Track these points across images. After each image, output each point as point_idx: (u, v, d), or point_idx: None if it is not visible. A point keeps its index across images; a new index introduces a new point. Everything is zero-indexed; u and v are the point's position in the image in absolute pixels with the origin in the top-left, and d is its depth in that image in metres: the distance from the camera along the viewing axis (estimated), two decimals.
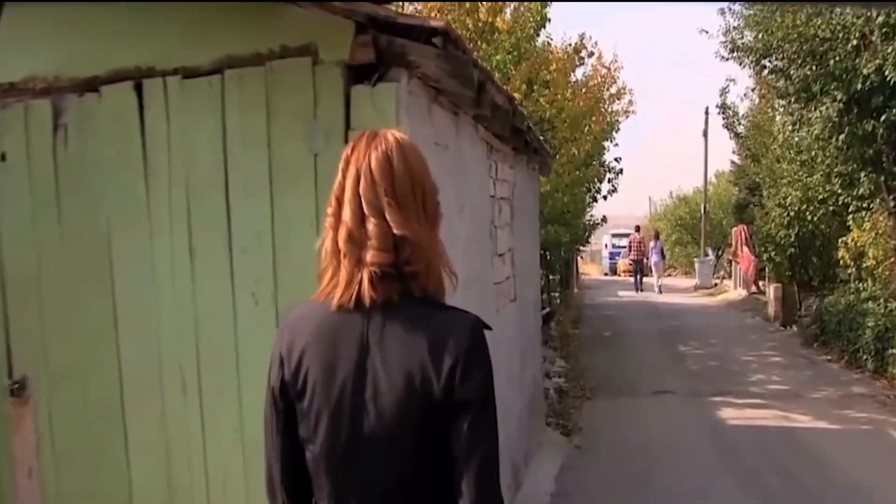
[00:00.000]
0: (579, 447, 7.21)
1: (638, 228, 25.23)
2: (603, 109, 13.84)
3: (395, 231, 1.45)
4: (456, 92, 3.46)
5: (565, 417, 8.23)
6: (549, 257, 13.55)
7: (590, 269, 34.96)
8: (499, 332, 4.95)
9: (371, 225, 1.46)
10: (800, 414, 8.34)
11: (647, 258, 23.66)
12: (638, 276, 23.25)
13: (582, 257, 27.28)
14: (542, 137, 10.20)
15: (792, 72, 10.37)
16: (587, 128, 12.27)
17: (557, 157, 10.85)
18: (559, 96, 11.63)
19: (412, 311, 1.46)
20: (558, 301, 16.39)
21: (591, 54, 12.45)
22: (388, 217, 1.46)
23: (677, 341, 13.47)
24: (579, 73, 13.34)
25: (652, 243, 23.92)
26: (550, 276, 15.69)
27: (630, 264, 25.46)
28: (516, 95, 10.74)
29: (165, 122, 3.08)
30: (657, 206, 41.21)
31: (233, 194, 3.02)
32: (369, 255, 1.44)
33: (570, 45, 12.30)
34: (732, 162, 24.47)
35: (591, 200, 15.04)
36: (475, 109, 3.83)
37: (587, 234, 16.14)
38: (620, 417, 8.36)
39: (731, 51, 11.55)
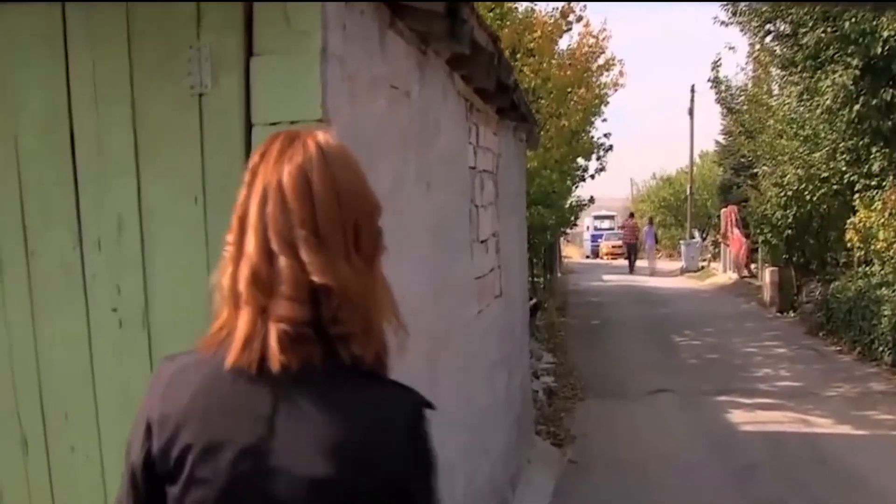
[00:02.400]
0: (573, 462, 6.27)
1: (632, 215, 26.11)
2: (591, 81, 12.84)
3: (312, 278, 1.07)
4: (421, 17, 2.44)
5: (556, 423, 7.29)
6: (533, 241, 12.62)
7: (571, 252, 34.41)
8: (479, 340, 3.95)
9: (282, 265, 1.08)
10: (817, 416, 7.45)
11: (641, 242, 24.66)
12: (631, 259, 24.05)
13: (567, 240, 27.20)
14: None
15: (801, 37, 9.40)
16: (574, 100, 11.26)
17: (544, 130, 9.87)
18: (544, 65, 10.63)
19: (339, 385, 1.09)
20: (542, 287, 15.49)
21: (578, 19, 11.43)
22: (303, 257, 1.08)
23: (670, 330, 12.59)
24: (566, 41, 12.33)
25: (646, 228, 24.64)
26: (534, 262, 14.79)
27: (622, 248, 26.68)
28: None
29: None
30: (639, 187, 40.68)
31: (81, 167, 1.99)
32: (279, 307, 1.07)
33: (557, 9, 11.27)
34: (717, 142, 24.10)
35: (578, 180, 14.09)
36: (449, 46, 2.82)
37: (574, 216, 15.20)
38: (617, 423, 7.43)
39: (734, 14, 10.57)
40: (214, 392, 1.11)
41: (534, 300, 10.47)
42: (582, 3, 11.32)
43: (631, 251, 24.38)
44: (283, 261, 1.08)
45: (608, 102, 13.65)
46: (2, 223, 2.02)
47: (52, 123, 1.98)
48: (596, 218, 35.77)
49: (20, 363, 2.06)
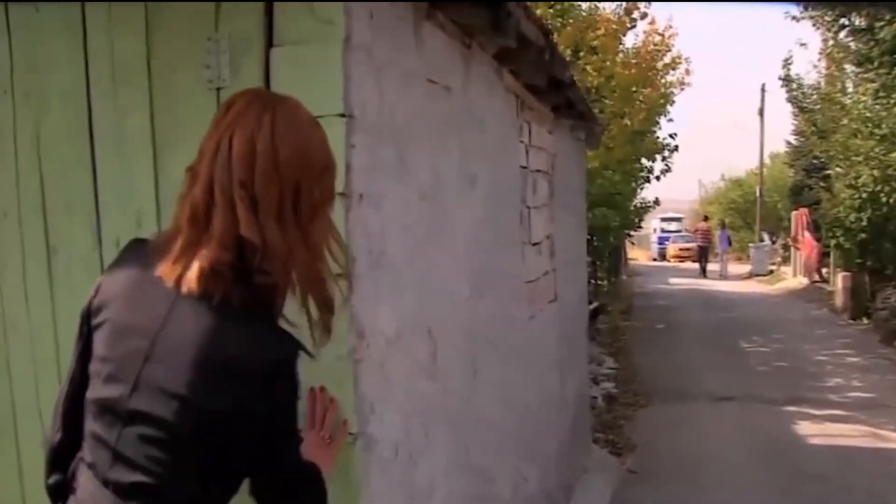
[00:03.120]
0: (632, 472, 6.06)
1: (706, 218, 26.80)
2: (656, 80, 12.50)
3: (240, 231, 1.22)
4: (462, 9, 2.32)
5: (616, 431, 7.08)
6: (596, 243, 12.35)
7: (638, 255, 33.89)
8: (530, 344, 3.81)
9: (217, 213, 1.24)
10: (891, 430, 7.04)
11: (713, 245, 25.32)
12: (703, 263, 24.24)
13: (632, 242, 27.06)
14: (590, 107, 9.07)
15: (878, 31, 8.95)
16: (639, 98, 10.96)
17: (607, 130, 9.63)
18: (608, 63, 10.37)
19: (232, 318, 1.24)
20: (606, 290, 15.19)
21: (643, 16, 11.12)
22: (237, 211, 1.23)
23: (738, 336, 12.16)
24: (630, 38, 12.02)
25: (719, 231, 25.16)
26: (598, 264, 14.50)
27: (691, 251, 28.33)
28: None
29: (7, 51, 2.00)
30: (708, 189, 39.76)
31: (100, 158, 1.93)
32: (208, 246, 1.23)
33: (621, 6, 10.99)
34: (788, 143, 23.38)
35: (643, 181, 13.74)
36: (495, 40, 2.69)
37: (639, 217, 14.84)
38: (679, 431, 7.16)
39: (806, 8, 10.15)
40: (140, 289, 1.30)
41: (594, 304, 10.22)
42: (645, 2, 10.97)
43: (703, 254, 24.52)
44: (219, 210, 1.23)
45: (674, 102, 13.27)
46: (24, 215, 1.99)
47: (71, 109, 1.92)
48: (663, 220, 35.38)
49: (46, 363, 2.02)
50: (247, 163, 1.23)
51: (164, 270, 1.26)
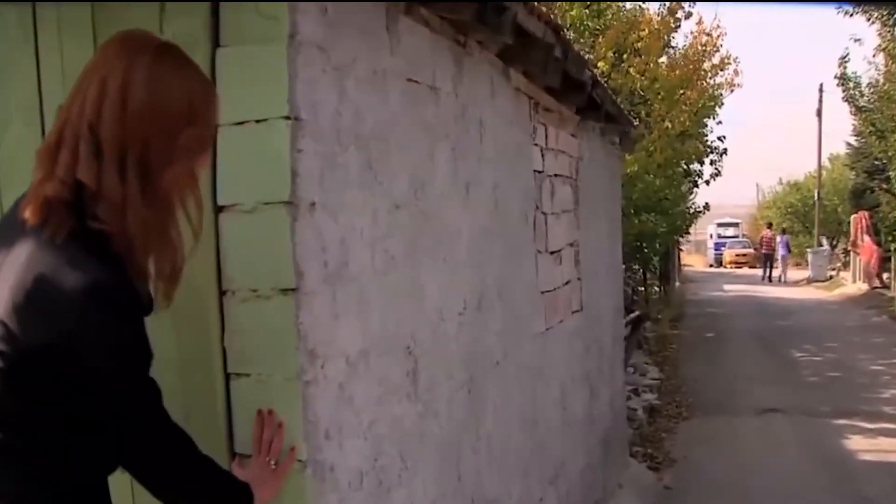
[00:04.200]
0: (669, 488, 5.81)
1: (770, 226, 26.94)
2: (704, 82, 12.15)
3: (77, 175, 1.21)
4: (445, 4, 2.18)
5: (655, 444, 6.82)
6: (645, 249, 12.06)
7: (693, 261, 33.39)
8: (549, 358, 3.63)
9: (64, 152, 1.23)
10: None
11: (775, 252, 25.52)
12: (769, 270, 24.57)
13: (685, 248, 26.82)
14: (632, 111, 8.81)
15: None
16: (683, 99, 10.65)
17: (650, 133, 9.37)
18: (651, 65, 10.10)
19: (60, 253, 1.19)
20: (656, 298, 14.84)
21: (688, 15, 10.81)
22: (80, 154, 1.21)
23: (789, 344, 11.73)
24: (676, 39, 11.70)
25: (779, 238, 25.37)
26: (647, 271, 14.17)
27: (747, 257, 29.70)
28: (601, 65, 9.36)
29: None
30: (765, 193, 38.84)
31: None
32: (51, 181, 1.22)
33: (664, 6, 10.70)
34: (848, 144, 22.64)
35: (691, 185, 13.37)
36: (493, 37, 2.54)
37: (688, 223, 14.46)
38: (722, 444, 6.87)
39: (859, 2, 9.73)
40: (4, 228, 1.31)
41: (636, 313, 9.94)
42: (689, 2, 10.65)
43: (768, 261, 24.97)
44: (65, 150, 1.22)
45: (723, 104, 12.89)
46: None
47: (28, 117, 1.83)
48: (719, 225, 34.95)
49: None
50: (96, 107, 1.21)
51: (21, 206, 1.26)
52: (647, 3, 9.95)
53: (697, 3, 10.68)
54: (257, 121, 1.57)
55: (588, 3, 8.41)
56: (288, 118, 1.54)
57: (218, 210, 1.62)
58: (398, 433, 1.98)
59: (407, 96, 2.07)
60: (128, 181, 1.20)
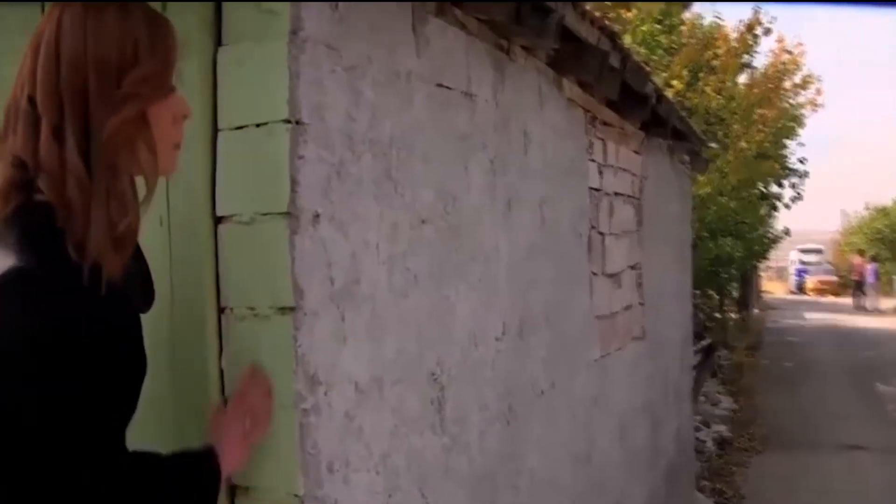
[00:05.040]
0: None
1: (861, 252, 27.41)
2: (784, 102, 11.67)
3: (16, 152, 1.09)
4: (480, 4, 2.04)
5: (726, 479, 6.47)
6: (721, 274, 11.61)
7: (774, 287, 32.23)
8: (604, 387, 3.41)
9: (9, 134, 1.11)
10: None
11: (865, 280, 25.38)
12: (860, 299, 24.55)
13: (764, 274, 26.00)
14: (706, 130, 8.48)
15: None
16: (760, 118, 10.23)
17: (725, 153, 9.01)
18: (728, 83, 9.74)
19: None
20: (732, 325, 14.28)
21: (767, 31, 10.41)
22: (18, 128, 1.09)
23: (875, 377, 11.06)
24: (754, 57, 11.28)
25: (868, 266, 25.27)
26: (723, 297, 13.67)
27: (832, 284, 29.82)
28: (675, 84, 9.06)
29: None
30: (851, 218, 37.35)
31: None
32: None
33: (742, 21, 10.34)
34: None
35: (769, 209, 12.84)
36: (533, 39, 2.37)
37: (766, 248, 13.88)
38: (798, 482, 6.45)
39: None
40: None
41: (708, 340, 9.52)
42: (771, 16, 10.26)
43: (860, 289, 25.02)
44: (9, 131, 1.11)
45: (804, 125, 12.36)
46: None
47: None
48: (802, 251, 33.91)
49: None
50: (32, 74, 1.09)
51: None
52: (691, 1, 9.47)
53: (777, 20, 10.26)
54: (257, 125, 1.44)
55: (660, 16, 8.13)
56: (288, 122, 1.41)
57: (217, 221, 1.50)
58: (418, 467, 1.81)
59: (435, 102, 1.92)
60: (65, 144, 1.06)
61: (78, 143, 1.06)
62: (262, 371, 1.42)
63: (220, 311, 1.50)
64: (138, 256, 1.28)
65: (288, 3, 1.41)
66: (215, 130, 1.49)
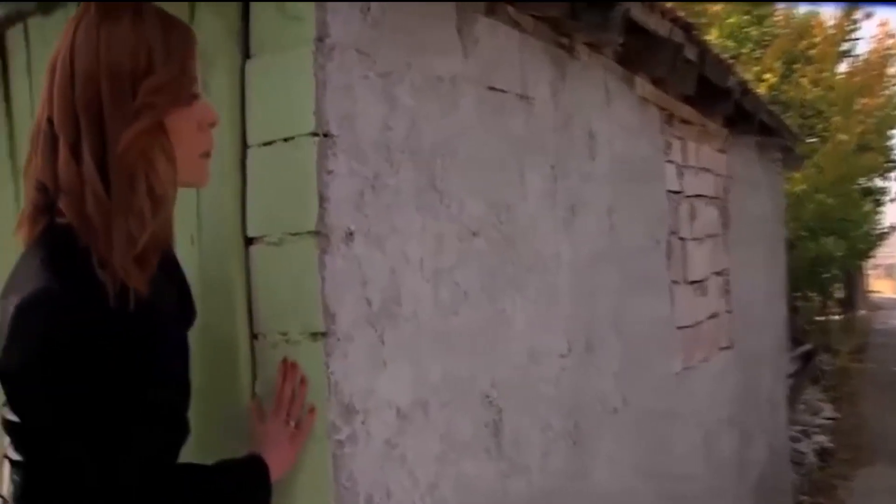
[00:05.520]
0: None
1: None
2: (888, 90, 11.01)
3: (38, 175, 1.07)
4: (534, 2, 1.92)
5: (828, 493, 6.10)
6: (822, 274, 11.05)
7: (882, 286, 30.62)
8: (687, 401, 3.22)
9: (34, 160, 1.09)
10: None
11: None
12: None
13: (871, 273, 24.76)
14: (804, 124, 8.07)
15: None
16: (862, 109, 9.66)
17: (822, 147, 8.54)
18: (825, 72, 9.24)
19: (25, 258, 1.06)
20: (837, 327, 13.59)
21: (868, 15, 9.83)
22: (39, 152, 1.06)
23: None
24: (852, 43, 10.67)
25: None
26: (825, 298, 13.02)
27: None
28: (768, 77, 8.65)
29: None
30: None
31: None
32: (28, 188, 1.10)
33: (841, 7, 9.78)
34: None
35: (874, 205, 12.15)
36: (597, 35, 2.23)
37: (871, 246, 13.13)
38: None
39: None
40: None
41: (807, 346, 9.04)
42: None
43: None
44: (34, 156, 1.08)
45: None
46: None
47: None
48: None
49: None
50: (49, 95, 1.05)
51: None
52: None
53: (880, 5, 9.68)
54: (285, 139, 1.36)
55: (751, 7, 7.77)
56: (315, 135, 1.33)
57: (248, 242, 1.43)
58: (471, 494, 1.70)
59: (486, 106, 1.81)
60: (82, 161, 1.02)
61: (95, 159, 1.01)
62: (296, 368, 1.34)
63: (254, 336, 1.43)
64: (174, 272, 1.23)
65: (313, 8, 1.33)
66: (245, 147, 1.43)
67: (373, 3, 1.44)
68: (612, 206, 2.49)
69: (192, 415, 1.43)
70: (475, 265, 1.75)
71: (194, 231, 1.49)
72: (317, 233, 1.33)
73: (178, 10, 1.47)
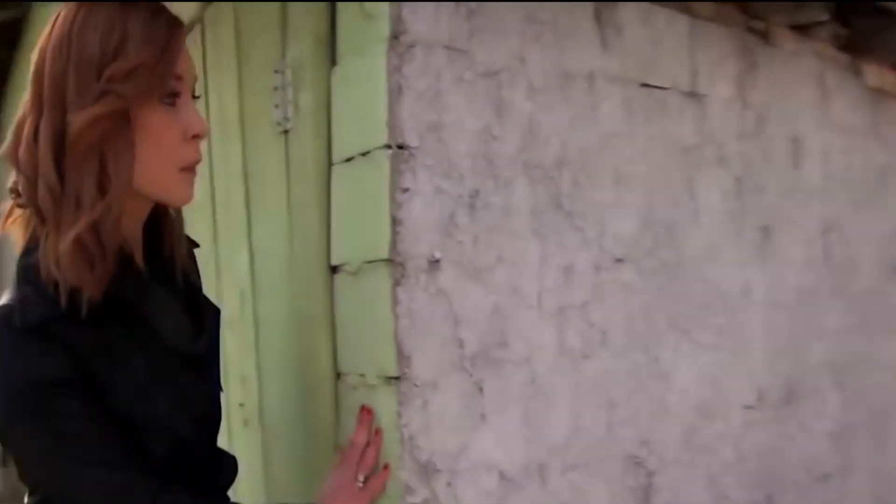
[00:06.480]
0: None
1: None
2: None
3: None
4: None
5: None
6: None
7: None
8: None
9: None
10: None
11: None
12: None
13: None
14: None
15: None
16: None
17: None
18: None
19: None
20: None
21: None
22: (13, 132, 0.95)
23: None
24: None
25: None
26: None
27: None
28: None
29: None
30: None
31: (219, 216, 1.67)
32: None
33: None
34: None
35: None
36: (803, 15, 1.84)
37: None
38: None
39: None
40: None
41: None
42: None
43: None
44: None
45: None
46: None
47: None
48: None
49: None
50: (30, 72, 0.94)
51: None
52: None
53: None
54: (363, 154, 1.19)
55: None
56: (388, 147, 1.13)
57: (332, 271, 1.27)
58: None
59: (637, 107, 1.51)
60: (39, 142, 0.89)
61: (52, 144, 0.89)
62: (371, 416, 1.16)
63: (337, 375, 1.27)
64: (186, 290, 1.06)
65: (387, 5, 1.14)
66: (331, 165, 1.27)
67: None
68: (828, 227, 2.04)
69: (281, 454, 1.30)
70: (618, 301, 1.45)
71: (285, 259, 1.36)
72: (389, 261, 1.13)
73: (271, 22, 1.36)
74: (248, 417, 1.55)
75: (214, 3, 1.63)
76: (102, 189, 0.88)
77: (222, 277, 1.64)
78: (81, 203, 0.87)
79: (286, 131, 1.34)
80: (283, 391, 1.38)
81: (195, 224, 1.76)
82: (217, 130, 1.61)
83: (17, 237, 0.95)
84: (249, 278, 1.51)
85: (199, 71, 1.63)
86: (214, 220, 1.67)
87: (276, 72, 1.35)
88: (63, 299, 0.86)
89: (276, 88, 1.35)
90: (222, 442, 1.68)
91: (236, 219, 1.55)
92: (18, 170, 0.91)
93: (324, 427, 1.27)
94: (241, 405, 1.58)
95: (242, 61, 1.50)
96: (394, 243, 1.13)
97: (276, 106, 1.35)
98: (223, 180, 1.62)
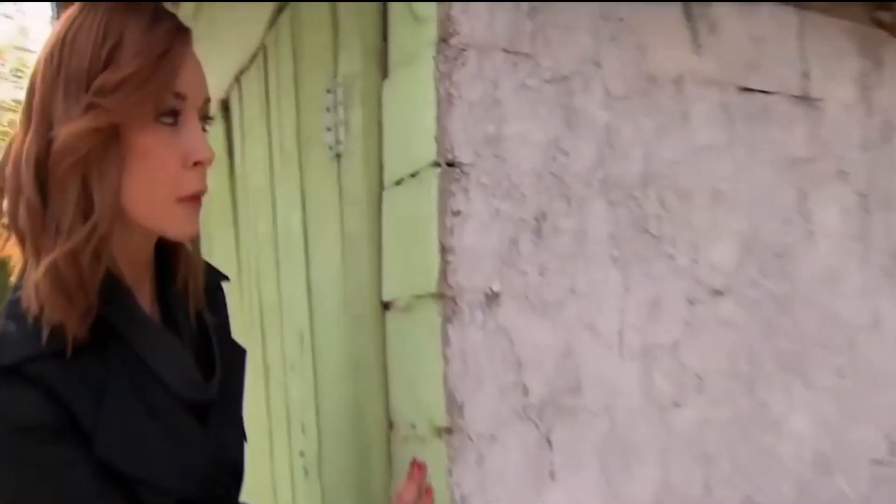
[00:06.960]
0: None
1: None
2: None
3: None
4: None
5: None
6: None
7: None
8: None
9: None
10: None
11: None
12: None
13: None
14: None
15: None
16: None
17: None
18: None
19: None
20: None
21: None
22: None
23: None
24: None
25: None
26: None
27: None
28: None
29: None
30: None
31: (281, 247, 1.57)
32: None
33: None
34: None
35: None
36: None
37: None
38: None
39: None
40: None
41: None
42: None
43: None
44: None
45: None
46: None
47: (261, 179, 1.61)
48: None
49: None
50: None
51: None
52: None
53: None
54: (412, 175, 1.05)
55: None
56: (437, 165, 1.00)
57: (384, 308, 1.14)
58: None
59: (736, 114, 1.32)
60: (23, 159, 0.80)
61: (35, 163, 0.79)
62: (422, 472, 1.01)
63: (389, 425, 1.13)
64: (199, 331, 0.95)
65: (435, 2, 1.01)
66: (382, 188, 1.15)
67: None
68: None
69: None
70: (717, 339, 1.26)
71: (340, 297, 1.24)
72: (439, 295, 0.99)
73: (325, 38, 1.26)
74: (308, 467, 1.43)
75: (275, 26, 1.55)
76: (85, 213, 0.77)
77: (284, 318, 1.54)
78: (61, 228, 0.77)
79: (338, 155, 1.23)
80: (339, 441, 1.25)
81: (262, 262, 1.67)
82: (278, 160, 1.52)
83: (14, 264, 0.86)
84: (308, 318, 1.40)
85: (261, 98, 1.56)
86: (277, 258, 1.57)
87: (328, 91, 1.24)
88: (44, 335, 0.75)
89: (328, 109, 1.24)
90: (284, 493, 1.57)
91: (295, 254, 1.45)
92: (2, 189, 0.82)
93: (376, 481, 1.13)
94: (302, 454, 1.46)
95: (299, 84, 1.41)
96: (444, 275, 0.99)
97: (329, 129, 1.24)
98: (284, 212, 1.52)
